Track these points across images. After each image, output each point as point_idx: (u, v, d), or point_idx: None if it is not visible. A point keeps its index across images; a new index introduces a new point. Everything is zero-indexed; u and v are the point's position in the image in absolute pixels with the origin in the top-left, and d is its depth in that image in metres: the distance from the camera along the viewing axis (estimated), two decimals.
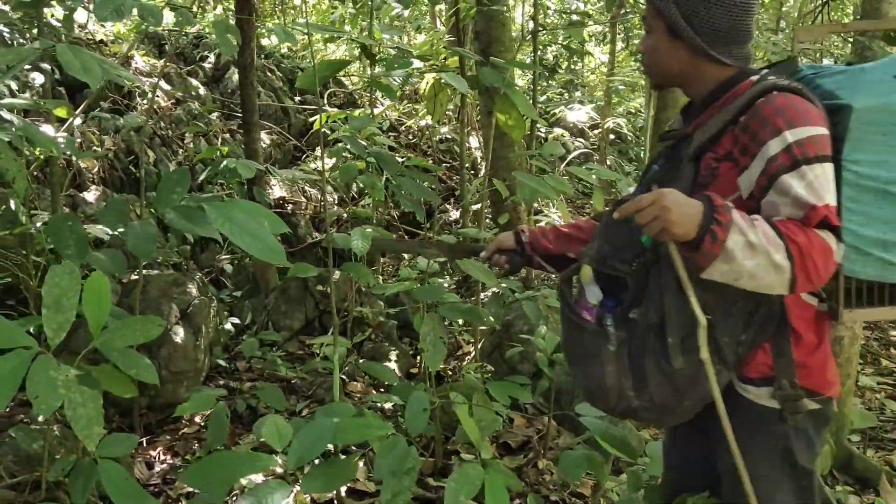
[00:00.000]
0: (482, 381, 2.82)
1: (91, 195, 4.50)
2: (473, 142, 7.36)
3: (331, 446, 2.61)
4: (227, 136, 5.98)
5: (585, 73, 11.47)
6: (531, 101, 3.04)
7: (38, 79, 3.40)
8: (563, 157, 7.27)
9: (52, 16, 5.03)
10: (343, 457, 2.37)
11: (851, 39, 4.31)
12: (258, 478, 2.52)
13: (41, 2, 2.64)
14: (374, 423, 1.90)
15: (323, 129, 2.52)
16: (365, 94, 7.69)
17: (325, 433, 1.75)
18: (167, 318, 3.31)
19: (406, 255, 5.20)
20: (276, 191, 5.56)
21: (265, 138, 6.08)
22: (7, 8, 3.08)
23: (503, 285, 3.82)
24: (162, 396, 3.21)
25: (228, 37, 2.31)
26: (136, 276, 3.18)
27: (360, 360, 3.79)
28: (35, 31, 3.00)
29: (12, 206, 3.09)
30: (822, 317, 1.53)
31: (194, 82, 6.34)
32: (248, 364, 3.91)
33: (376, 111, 6.88)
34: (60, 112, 2.89)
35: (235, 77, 6.49)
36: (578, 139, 8.85)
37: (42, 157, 3.19)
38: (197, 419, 3.23)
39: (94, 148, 4.68)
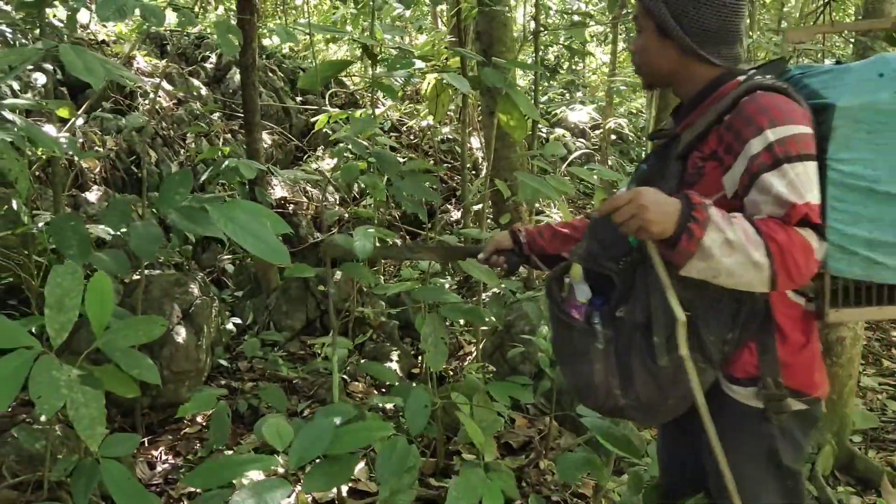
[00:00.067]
0: (483, 381, 2.82)
1: (93, 195, 4.51)
2: (475, 142, 7.36)
3: None
4: (229, 136, 5.98)
5: (587, 73, 11.47)
6: (533, 102, 3.04)
7: (40, 79, 3.40)
8: (564, 158, 7.27)
9: (55, 16, 5.04)
10: (344, 456, 2.37)
11: (853, 40, 4.30)
12: (259, 477, 2.52)
13: (43, 2, 2.64)
14: (375, 425, 1.90)
15: (324, 130, 2.52)
16: (366, 95, 7.69)
17: (325, 433, 1.75)
18: (169, 318, 3.31)
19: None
20: (278, 191, 5.56)
21: (267, 138, 6.09)
22: (9, 8, 3.08)
23: (503, 285, 3.82)
24: (164, 396, 3.21)
25: (230, 37, 2.32)
26: (139, 276, 3.18)
27: (362, 361, 3.79)
28: (37, 31, 3.00)
29: (14, 206, 3.09)
30: (809, 316, 1.53)
31: (196, 82, 6.34)
32: (250, 364, 3.91)
33: (378, 111, 6.88)
34: (63, 112, 2.89)
35: (237, 77, 6.50)
36: (580, 139, 8.84)
37: (44, 157, 3.19)
38: (199, 419, 3.23)
39: (96, 148, 4.69)
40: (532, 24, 5.20)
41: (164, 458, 2.94)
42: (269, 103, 6.53)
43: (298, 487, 2.46)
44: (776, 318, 1.46)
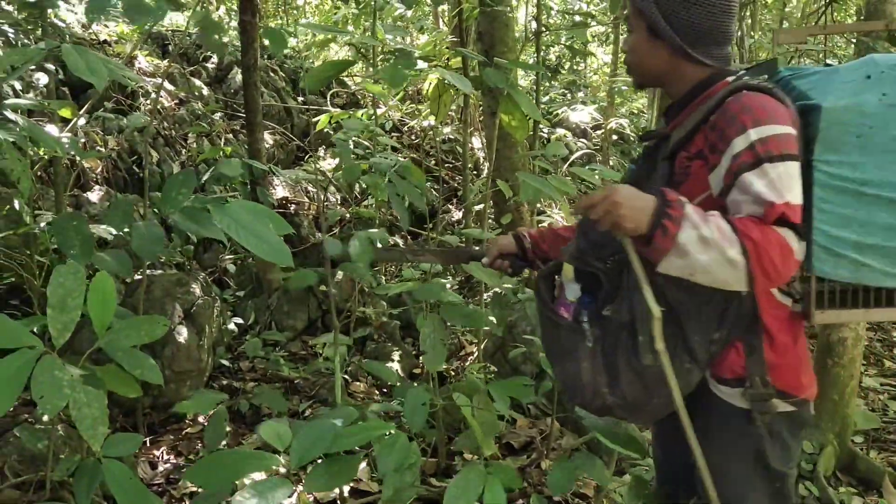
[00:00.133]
0: (485, 381, 2.82)
1: (94, 195, 4.51)
2: (476, 142, 7.36)
3: None
4: (231, 136, 5.98)
5: (588, 73, 11.46)
6: (534, 102, 3.04)
7: (42, 79, 3.40)
8: (565, 158, 7.26)
9: (56, 16, 5.04)
10: (346, 456, 2.37)
11: (854, 40, 4.30)
12: (261, 477, 2.53)
13: (45, 2, 2.64)
14: (376, 425, 1.91)
15: (326, 130, 2.52)
16: (367, 95, 7.69)
17: (325, 434, 1.76)
18: (171, 317, 3.32)
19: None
20: (280, 191, 5.57)
21: (268, 138, 6.09)
22: (11, 8, 3.08)
23: (507, 285, 3.82)
24: (165, 396, 3.21)
25: (216, 37, 2.29)
26: (140, 276, 3.19)
27: (363, 360, 3.80)
28: (39, 31, 3.00)
29: (17, 206, 3.10)
30: (797, 318, 1.53)
31: (197, 82, 6.35)
32: (252, 364, 3.92)
33: (379, 111, 6.89)
34: (65, 112, 2.90)
35: (238, 77, 6.51)
36: (581, 140, 8.84)
37: (46, 157, 3.20)
38: (200, 419, 3.24)
39: (98, 148, 4.69)
40: (534, 25, 5.20)
41: (165, 457, 2.94)
42: (270, 103, 6.53)
43: (300, 487, 2.47)
44: (763, 318, 1.47)
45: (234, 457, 1.76)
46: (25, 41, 3.23)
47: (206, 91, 6.36)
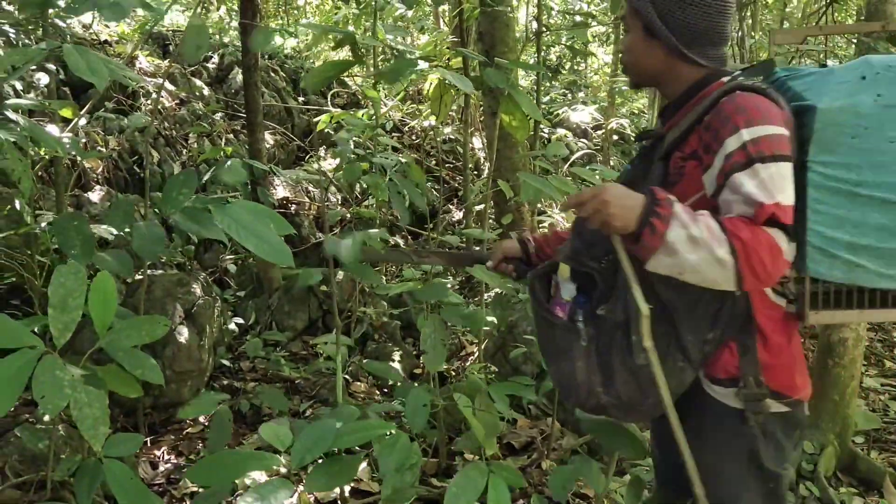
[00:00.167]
0: (486, 381, 2.82)
1: (95, 195, 4.52)
2: (476, 142, 7.36)
3: None
4: (231, 136, 5.99)
5: (589, 73, 11.46)
6: (535, 102, 3.04)
7: (42, 79, 3.40)
8: (566, 158, 7.26)
9: (57, 16, 5.03)
10: (346, 456, 2.38)
11: (855, 41, 4.30)
12: (262, 477, 2.53)
13: (47, 2, 2.64)
14: (376, 424, 1.91)
15: (326, 130, 2.52)
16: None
17: (326, 434, 1.76)
18: (171, 318, 3.32)
19: None
20: (280, 191, 5.57)
21: (269, 139, 6.09)
22: (11, 8, 3.08)
23: (509, 285, 3.82)
24: (166, 396, 3.22)
25: (196, 45, 2.27)
26: (141, 276, 3.19)
27: (364, 361, 3.80)
28: (40, 31, 3.00)
29: (18, 206, 3.10)
30: (790, 318, 1.53)
31: (198, 83, 6.35)
32: (252, 364, 3.92)
33: (380, 111, 6.88)
34: (65, 112, 2.89)
35: (239, 77, 6.51)
36: (582, 140, 8.84)
37: (47, 157, 3.20)
38: (201, 419, 3.24)
39: (99, 148, 4.69)
40: (534, 25, 5.20)
41: (166, 457, 2.94)
42: (271, 103, 6.53)
43: (301, 487, 2.47)
44: (757, 319, 1.47)
45: (234, 457, 1.76)
46: (26, 41, 3.23)
47: (206, 91, 6.36)
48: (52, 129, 2.73)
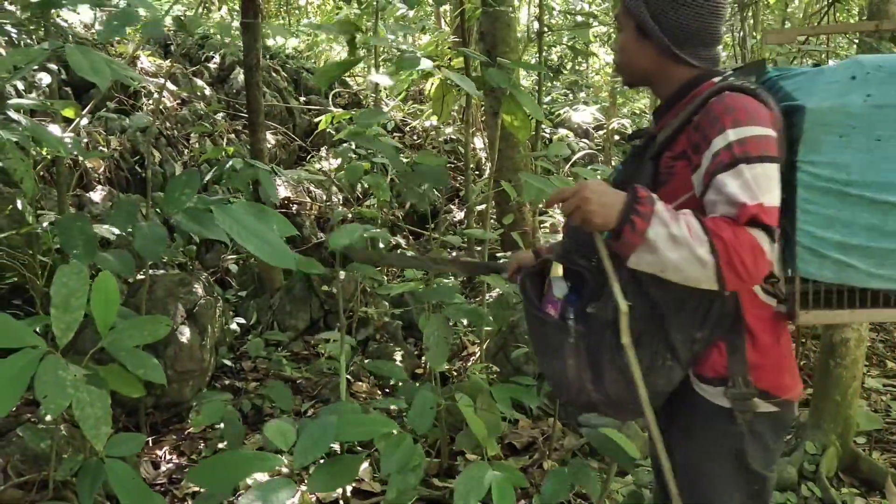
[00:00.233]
0: (487, 382, 2.82)
1: (97, 195, 4.52)
2: (478, 142, 7.36)
3: (336, 446, 2.62)
4: (233, 136, 5.99)
5: (590, 73, 11.46)
6: (536, 102, 3.04)
7: (44, 79, 3.40)
8: (567, 158, 7.26)
9: (59, 16, 5.04)
10: (348, 456, 2.38)
11: (857, 41, 4.30)
12: (264, 478, 2.53)
13: (49, 3, 2.64)
14: (379, 420, 1.91)
15: (328, 130, 2.52)
16: (369, 95, 7.69)
17: (328, 431, 1.76)
18: (173, 317, 3.32)
19: (409, 255, 5.20)
20: (282, 191, 5.57)
21: (270, 138, 6.10)
22: (13, 8, 3.08)
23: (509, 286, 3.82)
24: (168, 396, 3.22)
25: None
26: (143, 276, 3.19)
27: (366, 360, 3.80)
28: (42, 31, 3.00)
29: (20, 205, 3.10)
30: (780, 318, 1.52)
31: (200, 83, 6.35)
32: (254, 364, 3.92)
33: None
34: (68, 112, 2.89)
35: (241, 77, 6.51)
36: (583, 140, 8.84)
37: (49, 157, 3.20)
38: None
39: (101, 148, 4.70)
40: (536, 25, 5.20)
41: (168, 457, 2.94)
42: (272, 103, 6.54)
43: (303, 487, 2.47)
44: (746, 318, 1.47)
45: (236, 458, 1.76)
46: (28, 41, 3.23)
47: (208, 91, 6.36)
48: (54, 128, 2.73)
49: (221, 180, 3.60)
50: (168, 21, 1.91)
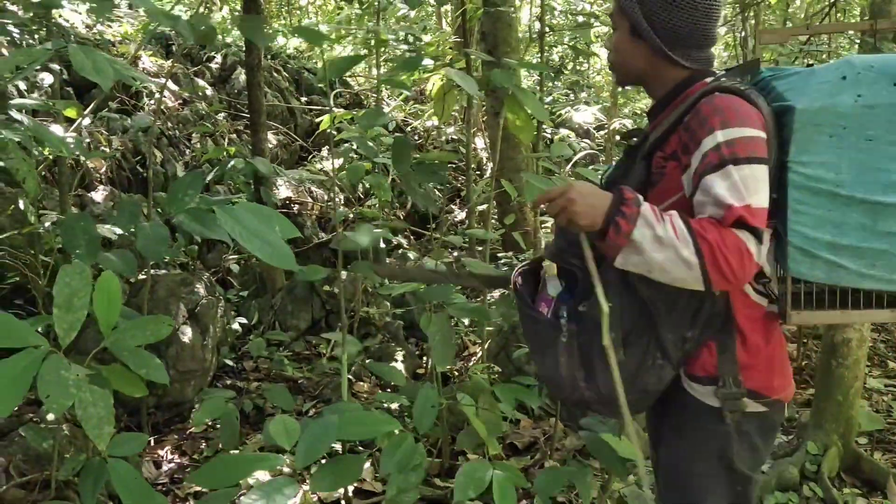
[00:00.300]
0: (489, 382, 2.82)
1: (99, 195, 4.52)
2: (479, 142, 7.36)
3: (338, 446, 2.62)
4: (234, 136, 5.99)
5: (592, 73, 11.46)
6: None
7: (46, 79, 3.41)
8: (569, 159, 7.26)
9: (60, 16, 5.05)
10: (350, 456, 2.38)
11: (859, 41, 4.29)
12: (266, 478, 2.53)
13: (51, 3, 2.65)
14: (381, 419, 1.91)
15: (329, 130, 2.53)
16: (370, 95, 7.70)
17: (330, 430, 1.76)
18: (175, 317, 3.32)
19: (411, 255, 5.21)
20: (283, 191, 5.57)
21: (272, 139, 6.10)
22: (15, 8, 3.09)
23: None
24: (169, 396, 3.22)
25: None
26: (144, 276, 3.19)
27: (367, 361, 3.80)
28: (44, 31, 3.00)
29: (21, 205, 3.10)
30: (772, 318, 1.53)
31: (201, 83, 6.36)
32: (255, 364, 3.92)
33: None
34: (70, 112, 2.90)
35: (242, 77, 6.51)
36: (584, 140, 8.84)
37: (51, 157, 3.20)
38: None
39: (102, 148, 4.70)
40: (537, 25, 5.20)
41: (169, 457, 2.95)
42: (274, 103, 6.54)
43: (305, 487, 2.47)
44: (736, 318, 1.47)
45: (238, 459, 1.77)
46: (30, 41, 3.23)
47: (209, 91, 6.37)
48: (56, 128, 2.73)
49: (223, 178, 3.61)
50: (183, 30, 1.90)
